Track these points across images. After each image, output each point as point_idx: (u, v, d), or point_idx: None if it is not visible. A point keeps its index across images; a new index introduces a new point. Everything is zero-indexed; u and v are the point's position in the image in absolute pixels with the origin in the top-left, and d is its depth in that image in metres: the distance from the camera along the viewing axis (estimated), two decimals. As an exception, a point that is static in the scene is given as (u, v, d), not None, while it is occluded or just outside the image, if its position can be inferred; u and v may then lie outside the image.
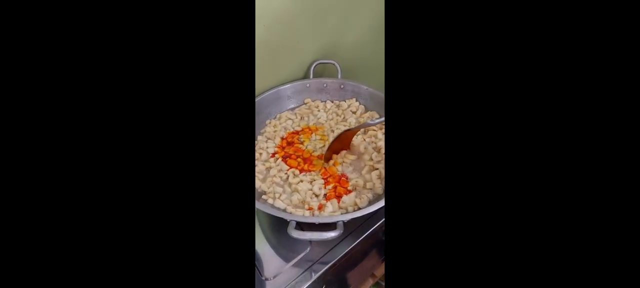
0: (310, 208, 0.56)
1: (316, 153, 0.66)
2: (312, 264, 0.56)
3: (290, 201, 0.58)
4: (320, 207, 0.57)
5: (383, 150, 0.66)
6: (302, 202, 0.58)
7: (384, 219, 0.62)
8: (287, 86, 0.75)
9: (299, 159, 0.65)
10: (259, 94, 0.73)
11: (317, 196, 0.59)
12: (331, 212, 0.56)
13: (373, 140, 0.68)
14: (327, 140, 0.68)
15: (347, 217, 0.50)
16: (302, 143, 0.68)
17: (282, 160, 0.65)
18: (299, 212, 0.55)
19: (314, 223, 0.53)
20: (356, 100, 0.76)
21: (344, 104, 0.75)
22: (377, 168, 0.63)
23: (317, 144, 0.68)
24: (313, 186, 0.60)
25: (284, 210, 0.56)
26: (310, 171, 0.63)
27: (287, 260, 0.57)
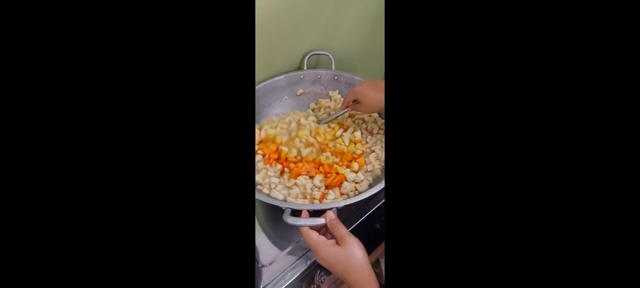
0: (313, 198, 0.57)
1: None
2: (307, 251, 0.58)
3: (289, 193, 0.58)
4: (323, 197, 0.57)
5: (375, 131, 0.68)
6: (303, 194, 0.58)
7: (377, 205, 0.63)
8: (281, 77, 0.75)
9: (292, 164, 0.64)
10: (253, 85, 0.73)
11: (318, 188, 0.59)
12: (334, 199, 0.57)
13: (363, 124, 0.70)
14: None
15: (341, 204, 0.51)
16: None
17: (276, 161, 0.64)
18: (299, 201, 0.56)
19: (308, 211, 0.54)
20: (338, 93, 0.77)
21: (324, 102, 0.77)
22: (373, 151, 0.64)
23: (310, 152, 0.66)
24: (314, 179, 0.60)
25: (284, 200, 0.57)
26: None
27: (282, 248, 0.58)
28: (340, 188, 0.58)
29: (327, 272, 0.59)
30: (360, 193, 0.57)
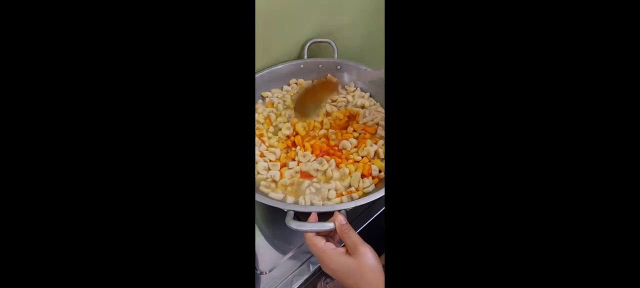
0: (356, 190, 0.53)
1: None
2: (310, 256, 0.53)
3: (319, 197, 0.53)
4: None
5: (367, 104, 0.67)
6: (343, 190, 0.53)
7: (383, 208, 0.59)
8: (280, 66, 0.70)
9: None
10: (250, 75, 0.68)
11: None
12: (367, 186, 0.53)
13: (351, 102, 0.67)
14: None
15: (351, 205, 0.46)
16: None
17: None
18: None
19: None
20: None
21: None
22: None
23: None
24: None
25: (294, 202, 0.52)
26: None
27: (283, 252, 0.54)
28: (370, 176, 0.54)
29: (332, 280, 0.55)
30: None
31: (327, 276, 0.54)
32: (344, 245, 0.41)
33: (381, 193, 0.49)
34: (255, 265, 0.52)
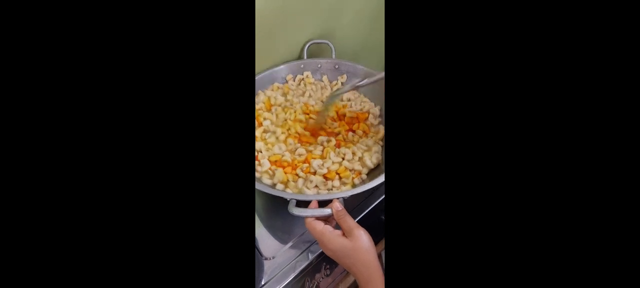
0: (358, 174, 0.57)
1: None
2: (310, 245, 0.56)
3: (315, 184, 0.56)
4: (359, 173, 0.57)
5: (352, 97, 0.71)
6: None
7: (382, 198, 0.62)
8: (281, 67, 0.73)
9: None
10: (251, 75, 0.71)
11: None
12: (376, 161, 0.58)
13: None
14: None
15: (348, 193, 0.49)
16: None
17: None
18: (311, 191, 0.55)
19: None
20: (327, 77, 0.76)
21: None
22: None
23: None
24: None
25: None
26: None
27: (283, 241, 0.57)
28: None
29: (332, 268, 0.58)
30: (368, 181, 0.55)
31: (326, 263, 0.57)
32: (340, 229, 0.44)
33: (374, 183, 0.51)
34: (261, 251, 0.55)
